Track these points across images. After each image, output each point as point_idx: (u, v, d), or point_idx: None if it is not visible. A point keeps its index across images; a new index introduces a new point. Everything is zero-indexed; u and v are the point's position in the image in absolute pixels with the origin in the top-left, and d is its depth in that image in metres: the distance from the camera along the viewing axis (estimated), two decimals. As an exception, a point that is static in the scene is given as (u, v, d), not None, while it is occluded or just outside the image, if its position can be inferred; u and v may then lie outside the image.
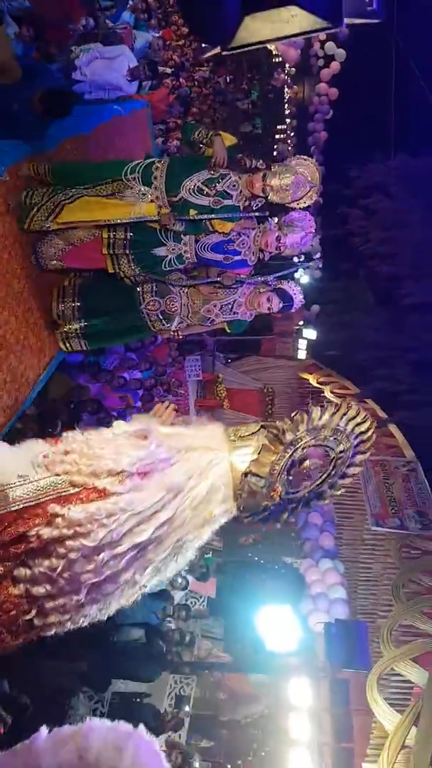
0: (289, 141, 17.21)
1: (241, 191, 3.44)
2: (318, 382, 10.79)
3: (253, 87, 16.88)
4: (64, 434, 1.58)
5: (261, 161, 3.59)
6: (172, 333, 3.83)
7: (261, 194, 3.40)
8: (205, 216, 3.46)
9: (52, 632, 1.48)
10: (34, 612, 1.42)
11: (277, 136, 18.21)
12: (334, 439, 1.71)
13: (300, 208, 3.61)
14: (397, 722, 5.28)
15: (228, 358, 10.88)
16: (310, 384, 10.94)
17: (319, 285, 14.15)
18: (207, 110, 12.13)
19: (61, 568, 1.39)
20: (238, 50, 1.00)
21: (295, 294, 3.66)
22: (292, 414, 1.78)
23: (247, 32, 0.96)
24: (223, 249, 3.61)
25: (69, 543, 1.39)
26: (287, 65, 15.65)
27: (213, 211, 3.43)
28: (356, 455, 1.70)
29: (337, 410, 1.74)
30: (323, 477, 1.69)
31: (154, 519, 1.45)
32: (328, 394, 10.48)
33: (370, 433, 1.71)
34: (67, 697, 3.90)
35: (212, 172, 3.39)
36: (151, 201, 3.37)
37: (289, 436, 1.70)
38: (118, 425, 1.63)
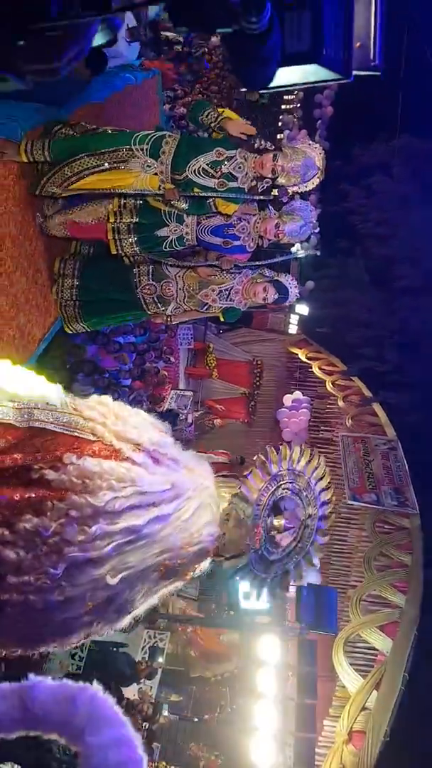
0: (295, 114, 16.92)
1: (246, 173, 3.43)
2: (307, 358, 10.90)
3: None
4: (95, 396, 1.51)
5: (270, 143, 3.59)
6: (166, 318, 3.85)
7: (270, 175, 3.40)
8: (210, 194, 3.46)
9: None
10: None
11: (283, 107, 17.87)
12: (306, 496, 1.77)
13: (302, 192, 3.63)
14: (360, 685, 5.57)
15: (220, 328, 10.91)
16: (299, 359, 11.04)
17: (314, 261, 14.15)
18: (215, 78, 11.88)
19: (53, 530, 1.20)
20: (269, 91, 1.21)
21: (291, 287, 3.70)
22: (279, 446, 1.84)
23: (278, 79, 1.21)
24: (222, 233, 3.63)
25: (74, 498, 1.23)
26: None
27: (217, 191, 3.43)
28: (320, 526, 1.75)
29: (310, 461, 1.80)
30: (294, 542, 1.72)
31: (153, 509, 1.35)
32: (316, 370, 10.61)
33: (331, 507, 1.77)
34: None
35: (218, 156, 3.37)
36: (155, 174, 3.36)
37: (274, 468, 1.75)
38: (140, 412, 1.56)
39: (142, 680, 6.62)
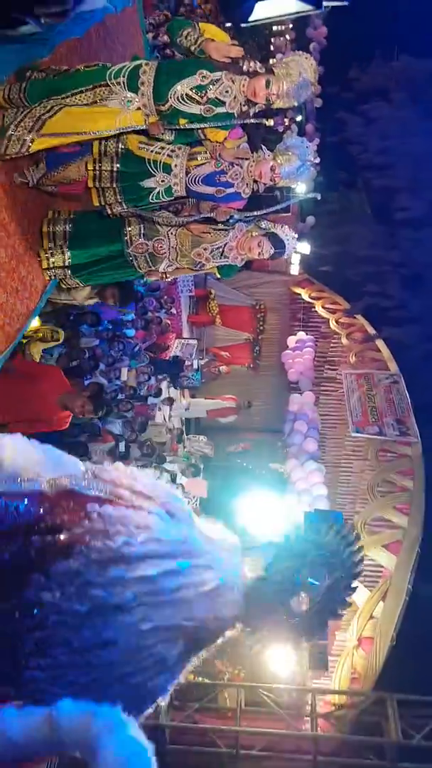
0: (288, 36, 16.10)
1: (235, 96, 3.15)
2: (310, 297, 10.97)
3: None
4: (108, 463, 1.62)
5: (260, 64, 3.18)
6: (159, 276, 3.70)
7: (264, 102, 3.14)
8: (197, 125, 3.23)
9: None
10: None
11: (275, 28, 16.97)
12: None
13: (298, 121, 3.38)
14: (367, 597, 6.08)
15: (220, 273, 10.91)
16: (302, 299, 11.10)
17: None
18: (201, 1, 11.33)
19: (76, 569, 1.30)
20: (250, 24, 1.33)
21: (287, 240, 3.47)
22: None
23: (257, 12, 1.35)
24: (215, 181, 3.40)
25: (95, 542, 1.32)
26: None
27: (205, 119, 3.19)
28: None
29: None
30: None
31: (169, 561, 1.38)
32: (319, 309, 10.72)
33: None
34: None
35: (202, 80, 3.08)
36: (138, 108, 3.11)
37: None
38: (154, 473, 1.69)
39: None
